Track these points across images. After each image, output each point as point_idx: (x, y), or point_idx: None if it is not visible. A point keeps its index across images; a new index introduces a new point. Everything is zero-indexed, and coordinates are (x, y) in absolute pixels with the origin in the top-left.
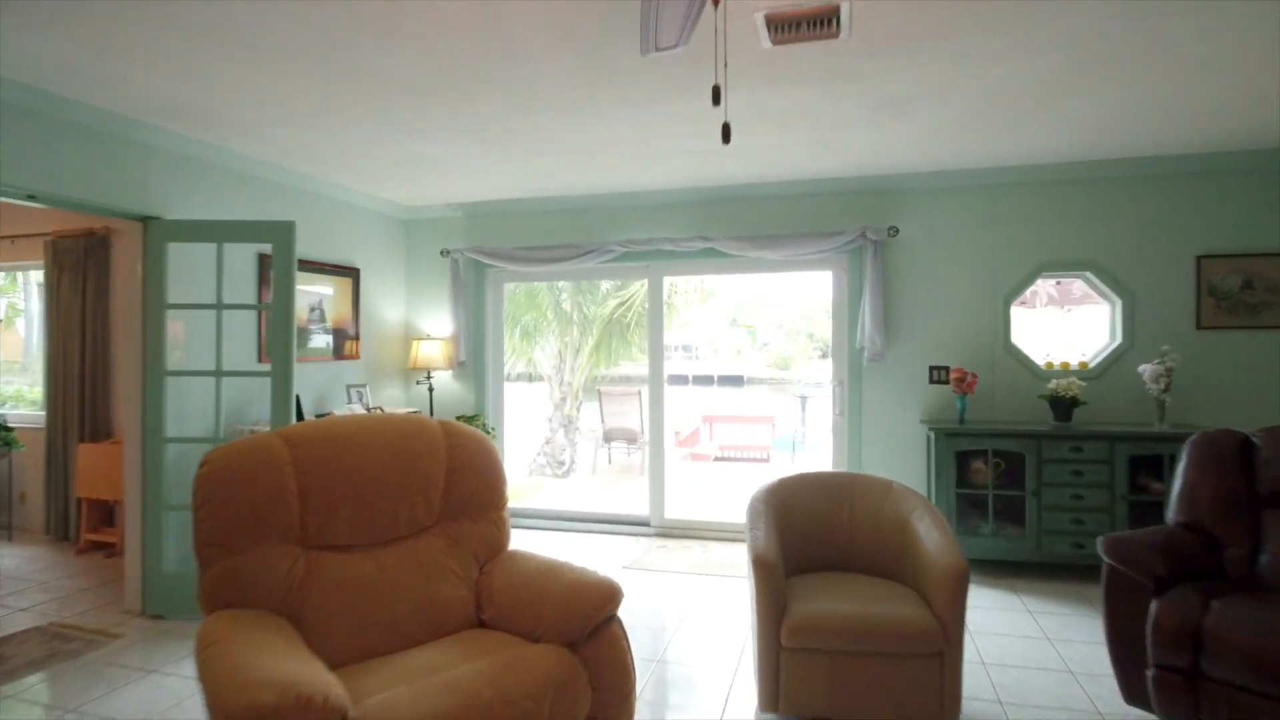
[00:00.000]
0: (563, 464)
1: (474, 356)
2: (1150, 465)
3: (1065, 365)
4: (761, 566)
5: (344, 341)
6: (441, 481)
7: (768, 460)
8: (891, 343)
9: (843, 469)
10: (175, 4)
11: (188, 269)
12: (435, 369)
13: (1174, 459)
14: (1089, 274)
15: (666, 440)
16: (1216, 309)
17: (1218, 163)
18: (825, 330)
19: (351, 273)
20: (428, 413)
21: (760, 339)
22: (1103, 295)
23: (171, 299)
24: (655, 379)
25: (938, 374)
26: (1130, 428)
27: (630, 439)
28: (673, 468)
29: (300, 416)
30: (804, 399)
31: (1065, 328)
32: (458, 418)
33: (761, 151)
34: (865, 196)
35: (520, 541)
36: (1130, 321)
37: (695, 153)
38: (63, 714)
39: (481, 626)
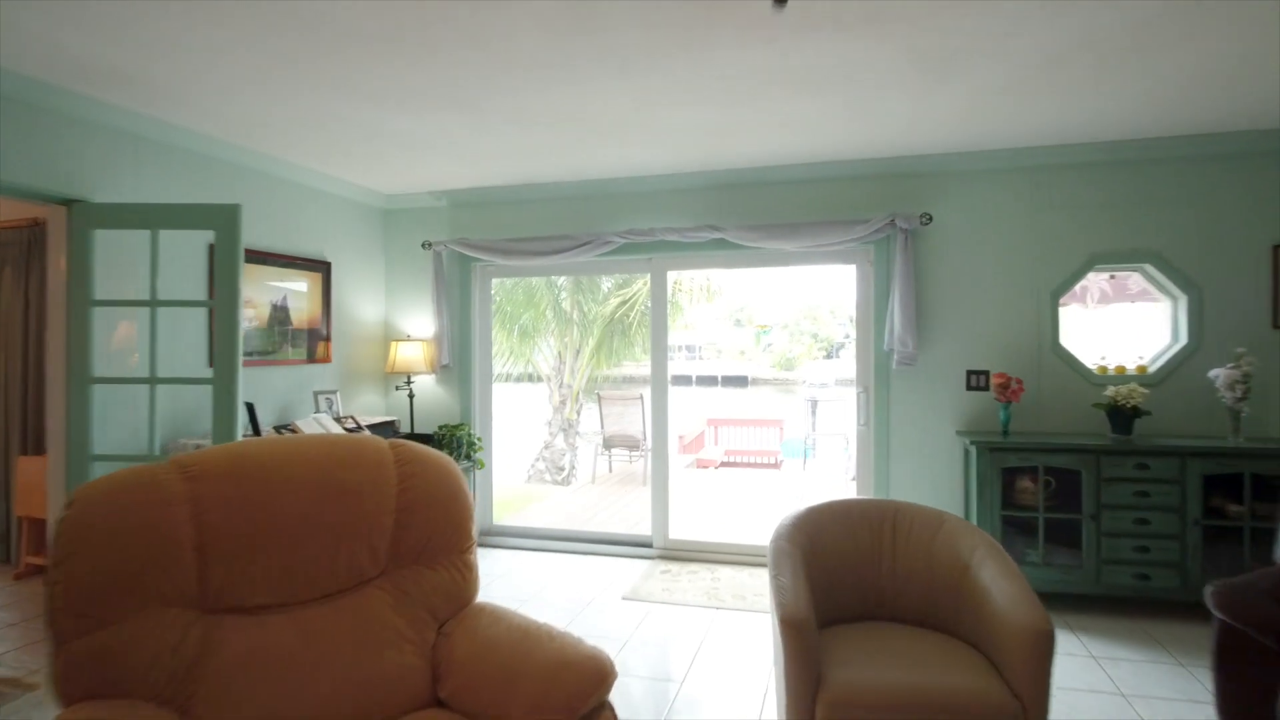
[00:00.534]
0: (562, 470)
1: (459, 359)
2: (1227, 485)
3: (1121, 370)
4: (792, 629)
5: (314, 343)
6: (390, 520)
7: (778, 467)
8: (924, 344)
9: (869, 486)
10: None
11: (130, 261)
12: (416, 373)
13: (1256, 478)
14: (1148, 267)
15: (672, 447)
16: None
17: None
18: (830, 330)
19: (321, 267)
20: (408, 422)
21: (764, 341)
22: (1163, 291)
23: (108, 294)
24: (658, 383)
25: (976, 379)
26: (1203, 442)
27: (632, 446)
28: (677, 477)
29: (256, 429)
30: (814, 402)
31: (1120, 328)
32: (440, 427)
33: (779, 125)
34: (896, 180)
35: (510, 563)
36: (1197, 320)
37: (701, 128)
38: None
39: (439, 707)
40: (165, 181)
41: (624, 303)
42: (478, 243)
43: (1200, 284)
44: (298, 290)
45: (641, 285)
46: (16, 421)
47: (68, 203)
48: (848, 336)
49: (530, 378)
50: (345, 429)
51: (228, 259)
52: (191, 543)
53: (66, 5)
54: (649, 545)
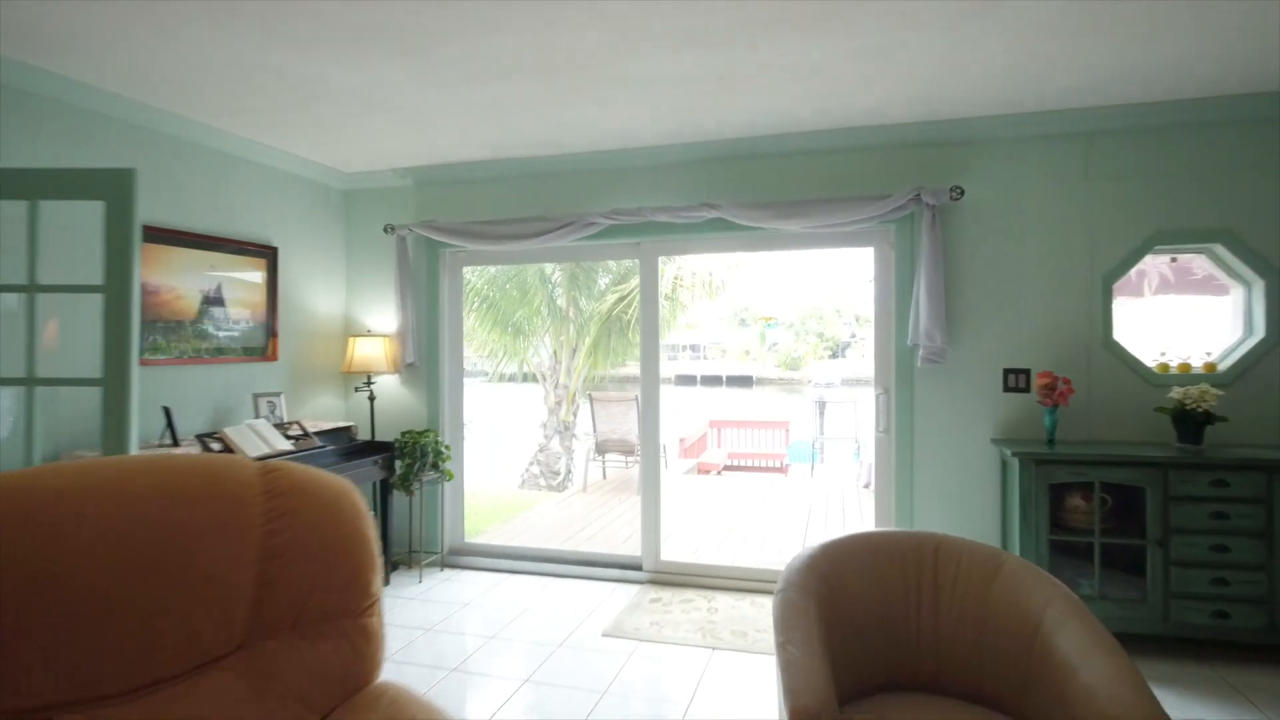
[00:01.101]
0: (557, 474)
1: (426, 357)
2: None
3: (1185, 368)
4: None
5: (256, 339)
6: (249, 575)
7: (784, 471)
8: (954, 339)
9: (889, 502)
10: None
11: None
12: (377, 373)
13: None
14: (1218, 247)
15: (671, 451)
16: None
17: None
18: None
19: (266, 253)
20: (368, 429)
21: (770, 337)
22: (1233, 276)
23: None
24: (648, 383)
25: (1015, 379)
26: None
27: (627, 451)
28: (674, 486)
29: (174, 438)
30: (822, 403)
31: (1184, 319)
32: (403, 434)
33: (787, 81)
34: (922, 148)
35: (481, 588)
36: (1276, 309)
37: (691, 79)
38: None
39: None
40: (68, 149)
41: (622, 299)
42: (446, 225)
43: None
44: (236, 279)
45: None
46: None
47: None
48: (854, 335)
49: (525, 377)
50: (288, 437)
51: (120, 235)
52: None
53: None
54: (638, 568)
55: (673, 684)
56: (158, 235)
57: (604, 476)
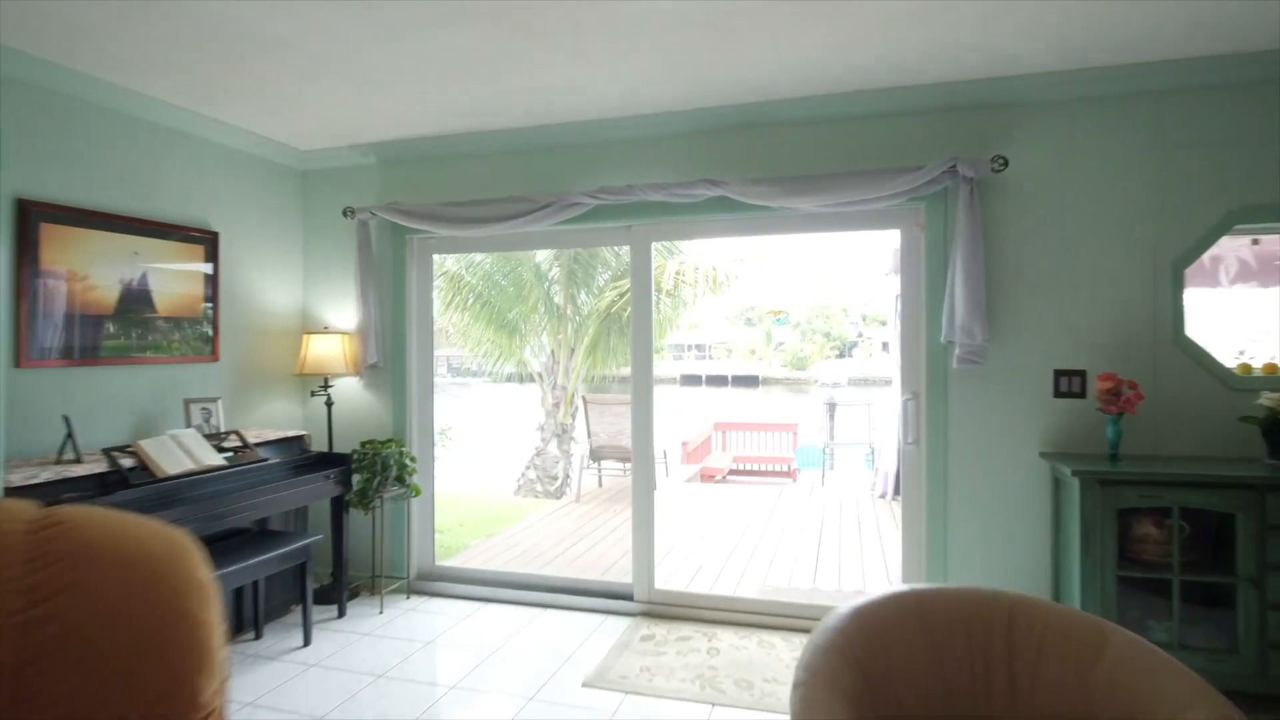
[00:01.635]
0: (555, 479)
1: (391, 357)
2: None
3: (1272, 369)
4: None
5: (192, 337)
6: None
7: (792, 476)
8: (996, 335)
9: (918, 527)
10: None
11: None
12: (335, 375)
13: None
14: None
15: (672, 456)
16: None
17: None
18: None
19: (205, 238)
20: (325, 438)
21: (777, 334)
22: None
23: None
24: (640, 384)
25: (1069, 383)
26: None
27: (624, 458)
28: (674, 497)
29: (76, 453)
30: (833, 405)
31: (1267, 312)
32: (363, 444)
33: (803, 32)
34: (958, 113)
35: (448, 620)
36: None
37: (684, 22)
38: None
39: None
40: None
41: (622, 295)
42: (412, 208)
43: None
44: (166, 268)
45: None
46: None
47: None
48: (860, 335)
49: (524, 378)
50: (223, 449)
51: None
52: None
53: None
54: (629, 597)
55: None
56: (61, 215)
57: (599, 485)
